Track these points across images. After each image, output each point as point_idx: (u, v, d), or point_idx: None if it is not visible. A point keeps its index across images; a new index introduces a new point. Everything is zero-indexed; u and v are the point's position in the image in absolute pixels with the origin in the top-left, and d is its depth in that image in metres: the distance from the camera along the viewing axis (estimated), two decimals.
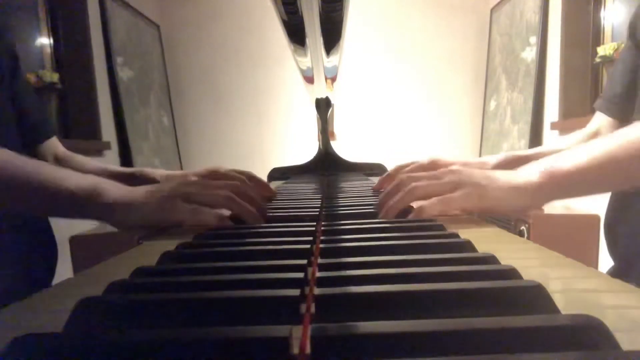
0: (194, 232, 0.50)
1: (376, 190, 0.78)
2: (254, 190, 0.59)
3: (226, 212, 0.54)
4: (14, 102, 0.76)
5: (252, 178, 0.75)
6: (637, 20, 0.82)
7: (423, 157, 0.79)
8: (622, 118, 0.84)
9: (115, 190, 0.51)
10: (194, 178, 0.75)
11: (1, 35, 0.79)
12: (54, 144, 0.86)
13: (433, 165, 0.75)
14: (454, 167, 0.59)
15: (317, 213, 0.57)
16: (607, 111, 0.86)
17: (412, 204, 0.56)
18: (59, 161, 0.84)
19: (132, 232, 0.51)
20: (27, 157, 0.53)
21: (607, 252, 0.81)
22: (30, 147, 0.81)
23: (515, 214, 0.53)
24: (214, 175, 0.73)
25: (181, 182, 0.56)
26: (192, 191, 0.52)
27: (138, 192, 0.52)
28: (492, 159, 0.82)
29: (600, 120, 0.88)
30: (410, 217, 0.52)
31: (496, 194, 0.52)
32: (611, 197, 0.82)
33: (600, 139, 0.55)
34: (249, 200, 0.54)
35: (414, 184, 0.53)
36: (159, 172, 0.83)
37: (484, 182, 0.52)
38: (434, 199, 0.52)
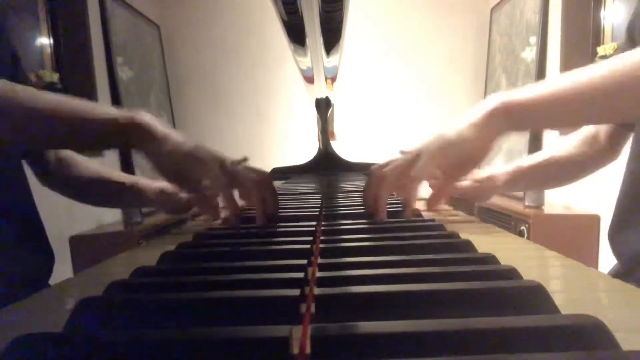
0: (194, 232, 0.50)
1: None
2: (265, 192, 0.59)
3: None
4: None
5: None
6: (635, 22, 0.82)
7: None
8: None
9: (151, 119, 0.52)
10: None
11: (0, 35, 0.79)
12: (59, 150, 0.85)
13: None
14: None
15: (317, 213, 0.57)
16: None
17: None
18: (60, 161, 0.84)
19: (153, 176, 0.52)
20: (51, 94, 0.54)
21: (607, 253, 0.81)
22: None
23: (480, 156, 0.52)
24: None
25: (218, 154, 0.56)
26: (227, 166, 0.52)
27: (175, 131, 0.53)
28: (500, 173, 0.79)
29: None
30: (406, 215, 0.51)
31: (453, 138, 0.51)
32: (618, 200, 0.81)
33: (578, 70, 0.51)
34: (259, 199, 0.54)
35: (378, 176, 0.54)
36: (154, 185, 0.82)
37: (438, 139, 0.52)
38: (406, 182, 0.52)
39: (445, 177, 0.54)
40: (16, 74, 0.79)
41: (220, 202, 0.54)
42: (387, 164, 0.57)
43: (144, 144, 0.52)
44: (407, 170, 0.52)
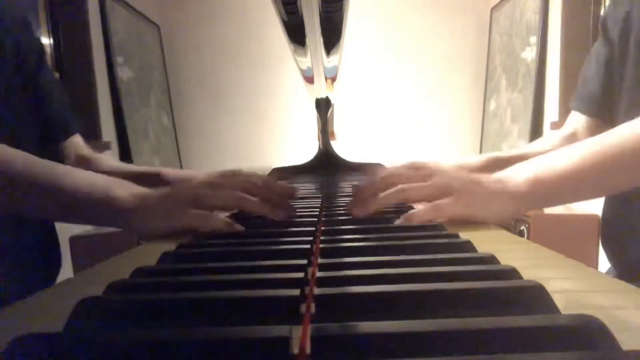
0: (193, 232, 0.50)
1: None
2: (272, 185, 0.57)
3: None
4: (37, 96, 0.75)
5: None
6: (607, 17, 0.82)
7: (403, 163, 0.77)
8: (603, 116, 0.83)
9: (128, 197, 0.49)
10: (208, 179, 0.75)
11: (26, 27, 0.77)
12: (78, 143, 0.83)
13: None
14: (439, 169, 0.56)
15: (317, 213, 0.57)
16: (587, 111, 0.85)
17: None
18: (83, 162, 0.82)
19: (151, 240, 0.49)
20: (39, 158, 0.51)
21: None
22: (52, 143, 0.80)
23: (500, 222, 0.51)
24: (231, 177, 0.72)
25: (191, 186, 0.55)
26: (202, 194, 0.51)
27: (151, 199, 0.50)
28: (473, 160, 0.80)
29: (577, 120, 0.86)
30: (397, 222, 0.49)
31: (484, 202, 0.50)
32: (604, 208, 0.81)
33: (591, 139, 0.52)
34: (265, 195, 0.53)
35: (403, 185, 0.52)
36: (178, 172, 0.82)
37: (472, 188, 0.50)
38: (424, 207, 0.50)
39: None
40: (41, 68, 0.78)
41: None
42: (396, 171, 0.56)
43: (119, 222, 0.50)
44: (427, 196, 0.51)
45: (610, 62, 0.81)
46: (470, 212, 0.50)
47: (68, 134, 0.82)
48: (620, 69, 0.78)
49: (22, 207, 0.51)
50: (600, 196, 0.72)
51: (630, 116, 0.75)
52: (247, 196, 0.52)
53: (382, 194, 0.52)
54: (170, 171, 0.83)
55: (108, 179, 0.52)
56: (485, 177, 0.52)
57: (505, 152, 0.87)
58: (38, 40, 0.79)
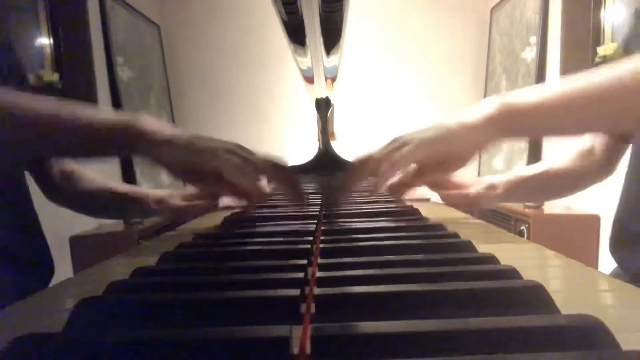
0: (193, 232, 0.50)
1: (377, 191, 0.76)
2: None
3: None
4: None
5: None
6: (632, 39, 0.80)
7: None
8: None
9: (152, 122, 0.50)
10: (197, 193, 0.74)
11: (7, 49, 0.77)
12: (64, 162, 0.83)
13: None
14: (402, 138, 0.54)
15: (317, 213, 0.57)
16: None
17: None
18: (65, 175, 0.82)
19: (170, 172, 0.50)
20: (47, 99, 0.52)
21: (607, 253, 0.80)
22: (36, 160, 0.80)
23: (466, 156, 0.50)
24: None
25: (224, 143, 0.55)
26: (231, 161, 0.51)
27: (176, 129, 0.51)
28: (499, 182, 0.77)
29: (594, 135, 0.84)
30: (373, 188, 0.50)
31: (444, 134, 0.49)
32: (617, 212, 0.80)
33: (580, 75, 0.47)
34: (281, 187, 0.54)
35: (361, 159, 0.52)
36: (153, 194, 0.81)
37: (429, 130, 0.50)
38: (384, 164, 0.50)
39: (422, 169, 0.52)
40: (17, 81, 0.77)
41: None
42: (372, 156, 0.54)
43: (145, 151, 0.50)
44: (390, 155, 0.50)
45: None
46: (435, 148, 0.49)
47: None
48: None
49: (51, 144, 0.52)
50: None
51: None
52: (260, 186, 0.52)
53: (377, 179, 0.52)
54: (145, 192, 0.81)
55: (126, 114, 0.53)
56: (447, 118, 0.51)
57: (527, 169, 0.85)
58: (17, 60, 0.80)
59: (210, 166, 0.49)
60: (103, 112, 0.52)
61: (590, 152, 0.83)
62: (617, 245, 0.77)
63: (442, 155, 0.50)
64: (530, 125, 0.49)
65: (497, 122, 0.47)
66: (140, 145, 0.49)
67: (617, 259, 0.77)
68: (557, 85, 0.48)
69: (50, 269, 0.76)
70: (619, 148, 0.80)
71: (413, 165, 0.52)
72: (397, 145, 0.51)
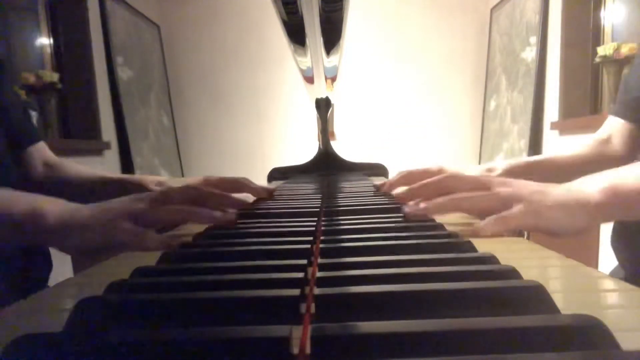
0: (193, 232, 0.50)
1: (381, 191, 0.75)
2: (221, 194, 0.55)
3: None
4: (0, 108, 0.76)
5: (239, 183, 0.70)
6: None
7: (432, 165, 0.75)
8: None
9: (57, 212, 0.45)
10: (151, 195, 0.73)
11: None
12: (42, 150, 0.86)
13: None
14: (501, 178, 0.50)
15: (317, 213, 0.57)
16: (625, 116, 0.83)
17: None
18: (49, 167, 0.84)
19: (80, 256, 0.46)
20: None
21: (607, 253, 0.80)
22: (17, 150, 0.82)
23: (570, 235, 0.45)
24: (202, 184, 0.69)
25: (131, 198, 0.50)
26: (140, 209, 0.47)
27: (82, 213, 0.46)
28: (499, 165, 0.77)
29: (613, 125, 0.85)
30: (469, 235, 0.45)
31: (554, 213, 0.45)
32: None
33: None
34: (216, 202, 0.52)
35: (464, 194, 0.47)
36: (155, 179, 0.81)
37: (539, 197, 0.45)
38: (491, 219, 0.45)
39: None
40: (2, 83, 0.78)
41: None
42: (456, 177, 0.51)
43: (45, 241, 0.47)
44: (489, 207, 0.46)
45: None
46: (539, 223, 0.45)
47: (31, 141, 0.84)
48: None
49: None
50: None
51: None
52: (185, 208, 0.49)
53: (439, 200, 0.48)
54: (143, 178, 0.81)
55: (36, 196, 0.48)
56: (553, 187, 0.47)
57: (534, 157, 0.85)
58: None
59: (118, 240, 0.45)
60: (8, 199, 0.47)
61: (607, 141, 0.83)
62: (619, 239, 0.76)
63: (542, 230, 0.46)
64: (636, 208, 0.46)
65: (606, 207, 0.44)
66: (42, 235, 0.45)
67: (617, 253, 0.77)
68: None
69: (48, 263, 0.77)
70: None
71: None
72: (498, 196, 0.46)
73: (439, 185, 0.50)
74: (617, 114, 0.85)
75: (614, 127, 0.85)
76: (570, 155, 0.83)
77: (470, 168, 0.79)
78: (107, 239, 0.45)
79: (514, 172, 0.76)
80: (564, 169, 0.82)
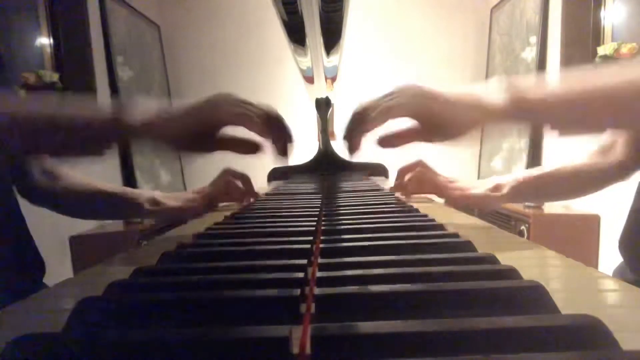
0: (194, 232, 0.50)
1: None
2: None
3: None
4: None
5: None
6: None
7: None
8: None
9: (142, 103, 0.48)
10: (193, 195, 0.75)
11: None
12: (40, 157, 0.81)
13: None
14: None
15: (317, 213, 0.57)
16: None
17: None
18: (48, 175, 0.81)
19: (163, 150, 0.49)
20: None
21: (607, 253, 0.80)
22: (14, 159, 0.81)
23: (467, 130, 0.47)
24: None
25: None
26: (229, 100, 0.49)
27: (164, 104, 0.49)
28: (506, 181, 0.75)
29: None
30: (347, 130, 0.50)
31: (451, 96, 0.46)
32: (632, 207, 0.79)
33: (588, 71, 0.45)
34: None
35: (382, 105, 0.50)
36: (146, 194, 0.81)
37: (435, 89, 0.47)
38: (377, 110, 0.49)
39: (417, 131, 0.50)
40: None
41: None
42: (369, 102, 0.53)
43: (138, 141, 0.49)
44: (383, 102, 0.48)
45: None
46: (432, 105, 0.47)
47: None
48: None
49: (41, 142, 0.49)
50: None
51: None
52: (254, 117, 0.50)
53: (369, 118, 0.51)
54: (138, 192, 0.80)
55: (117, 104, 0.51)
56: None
57: (537, 171, 0.84)
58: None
59: (225, 120, 0.48)
60: (87, 107, 0.50)
61: (611, 147, 0.81)
62: (629, 241, 0.75)
63: (439, 117, 0.47)
64: (538, 119, 0.46)
65: (508, 106, 0.44)
66: (135, 135, 0.48)
67: (625, 256, 0.76)
68: (567, 79, 0.46)
69: (41, 268, 0.76)
70: None
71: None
72: (394, 93, 0.49)
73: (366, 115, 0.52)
74: None
75: (617, 133, 0.84)
76: (575, 167, 0.80)
77: (476, 184, 0.77)
78: (206, 115, 0.47)
79: (521, 191, 0.75)
80: (570, 181, 0.80)
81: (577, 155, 0.84)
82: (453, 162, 3.01)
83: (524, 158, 2.37)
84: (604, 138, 0.83)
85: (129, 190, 0.82)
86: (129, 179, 2.35)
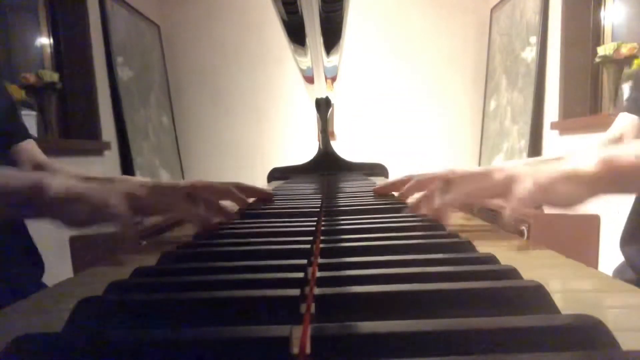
0: (194, 232, 0.50)
1: (379, 194, 0.74)
2: (210, 200, 0.56)
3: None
4: None
5: (238, 187, 0.68)
6: None
7: (440, 169, 0.71)
8: None
9: (56, 183, 0.46)
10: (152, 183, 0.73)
11: None
12: (31, 150, 0.83)
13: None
14: (495, 166, 0.51)
15: (317, 213, 0.57)
16: (639, 112, 0.81)
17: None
18: (39, 168, 0.81)
19: (77, 230, 0.48)
20: None
21: (607, 253, 0.80)
22: (3, 148, 0.79)
23: (573, 207, 0.46)
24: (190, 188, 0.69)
25: (134, 182, 0.52)
26: (139, 194, 0.49)
27: (81, 184, 0.46)
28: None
29: (624, 123, 0.83)
30: (507, 217, 0.45)
31: (557, 185, 0.44)
32: (632, 207, 0.79)
33: None
34: (205, 207, 0.53)
35: (467, 187, 0.47)
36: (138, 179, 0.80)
37: (537, 173, 0.45)
38: (507, 211, 0.45)
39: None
40: None
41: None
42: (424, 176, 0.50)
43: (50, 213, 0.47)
44: (493, 193, 0.46)
45: None
46: (545, 197, 0.44)
47: (16, 139, 0.81)
48: None
49: None
50: None
51: None
52: (187, 206, 0.50)
53: (448, 196, 0.48)
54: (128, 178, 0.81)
55: (38, 172, 0.50)
56: (544, 162, 0.47)
57: (544, 157, 0.84)
58: None
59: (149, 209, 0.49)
60: (12, 175, 0.48)
61: (619, 139, 0.80)
62: (631, 240, 0.75)
63: (547, 202, 0.46)
64: (630, 185, 0.46)
65: (604, 179, 0.44)
66: (47, 206, 0.46)
67: (626, 255, 0.76)
68: None
69: (40, 267, 0.76)
70: None
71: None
72: (498, 180, 0.46)
73: (444, 185, 0.50)
74: (630, 110, 0.83)
75: (627, 125, 0.82)
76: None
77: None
78: (101, 214, 0.45)
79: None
80: None
81: (584, 146, 0.83)
82: (453, 161, 3.01)
83: (524, 158, 2.36)
84: (612, 131, 0.83)
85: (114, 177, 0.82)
86: None
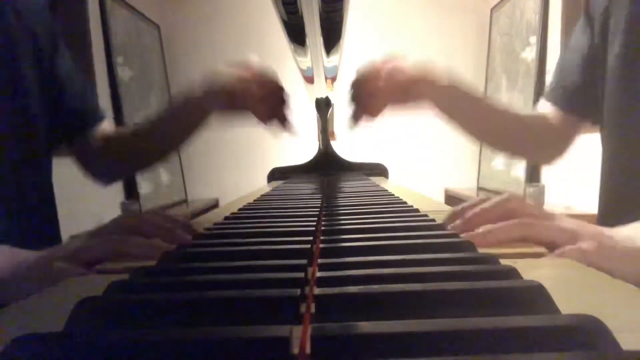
0: (194, 232, 0.49)
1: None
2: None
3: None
4: (54, 86, 0.69)
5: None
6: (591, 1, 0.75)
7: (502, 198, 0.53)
8: (582, 113, 0.79)
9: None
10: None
11: (41, 9, 0.70)
12: (106, 131, 0.77)
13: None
14: (563, 214, 0.47)
15: (317, 213, 0.57)
16: (568, 104, 0.79)
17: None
18: (107, 141, 0.76)
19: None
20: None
21: None
22: (77, 134, 0.74)
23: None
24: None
25: (67, 242, 0.46)
26: (71, 249, 0.41)
27: (20, 266, 0.41)
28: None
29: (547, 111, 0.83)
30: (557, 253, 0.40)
31: (624, 262, 0.40)
32: (599, 204, 0.78)
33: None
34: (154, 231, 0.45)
35: (530, 220, 0.43)
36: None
37: (608, 241, 0.41)
38: (568, 250, 0.40)
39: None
40: (57, 55, 0.71)
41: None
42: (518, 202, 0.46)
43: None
44: (560, 240, 0.41)
45: (593, 49, 0.74)
46: (610, 266, 0.38)
47: (93, 122, 0.75)
48: (603, 59, 0.72)
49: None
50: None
51: (613, 115, 0.73)
52: (123, 238, 0.42)
53: (501, 224, 0.42)
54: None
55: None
56: (612, 231, 0.43)
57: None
58: (52, 24, 0.72)
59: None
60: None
61: (547, 116, 0.83)
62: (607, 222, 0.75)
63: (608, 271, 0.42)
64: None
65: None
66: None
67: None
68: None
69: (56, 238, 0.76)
70: (574, 123, 0.81)
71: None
72: (565, 229, 0.42)
73: (501, 209, 0.45)
74: (556, 101, 0.82)
75: (548, 113, 0.83)
76: (518, 115, 0.86)
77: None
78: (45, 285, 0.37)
79: (455, 98, 0.83)
80: (497, 117, 0.83)
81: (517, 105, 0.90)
82: (453, 162, 3.02)
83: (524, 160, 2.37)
84: (545, 108, 0.84)
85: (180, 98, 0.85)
86: (129, 179, 2.35)
